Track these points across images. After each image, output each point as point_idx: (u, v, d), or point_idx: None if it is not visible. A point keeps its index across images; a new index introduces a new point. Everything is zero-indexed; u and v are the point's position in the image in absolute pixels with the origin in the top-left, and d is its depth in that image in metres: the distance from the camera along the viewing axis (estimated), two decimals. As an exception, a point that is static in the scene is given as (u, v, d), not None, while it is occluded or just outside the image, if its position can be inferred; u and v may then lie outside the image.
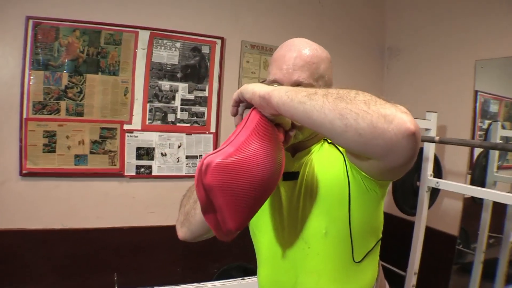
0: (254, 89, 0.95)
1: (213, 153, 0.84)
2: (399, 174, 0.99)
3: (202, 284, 2.22)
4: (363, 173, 1.03)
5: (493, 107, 3.11)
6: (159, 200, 3.07)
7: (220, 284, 2.27)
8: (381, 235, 1.22)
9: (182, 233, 1.21)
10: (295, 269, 1.17)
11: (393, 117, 0.75)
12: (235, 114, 1.05)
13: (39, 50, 2.63)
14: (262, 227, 1.25)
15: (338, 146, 1.14)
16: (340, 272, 1.14)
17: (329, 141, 1.20)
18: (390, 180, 1.07)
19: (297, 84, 1.08)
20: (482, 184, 3.03)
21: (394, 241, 3.37)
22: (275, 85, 1.07)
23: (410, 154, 0.79)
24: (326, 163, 1.13)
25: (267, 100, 0.91)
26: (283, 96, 0.88)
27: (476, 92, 3.04)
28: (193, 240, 1.21)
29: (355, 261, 1.13)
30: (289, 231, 1.17)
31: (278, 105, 0.89)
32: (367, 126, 0.76)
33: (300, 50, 1.12)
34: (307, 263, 1.15)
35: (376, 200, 1.11)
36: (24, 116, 2.62)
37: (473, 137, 3.06)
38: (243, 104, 1.03)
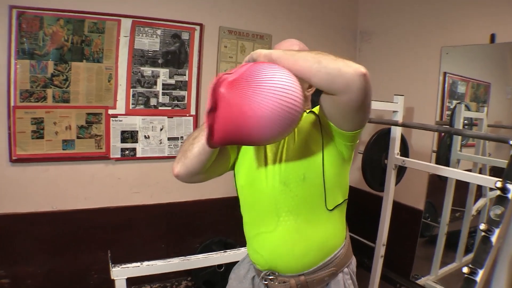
0: (261, 51, 1.28)
1: (228, 73, 1.16)
2: (357, 116, 1.27)
3: (188, 257, 2.26)
4: (332, 125, 1.34)
5: (461, 88, 3.27)
6: (143, 181, 3.20)
7: (204, 257, 2.30)
8: (347, 197, 1.54)
9: (177, 168, 1.39)
10: (277, 210, 1.42)
11: (352, 64, 1.12)
12: None
13: (24, 40, 2.68)
14: (248, 179, 1.50)
15: (314, 112, 1.46)
16: (315, 214, 1.43)
17: (307, 111, 1.50)
18: (352, 130, 1.33)
19: None
20: (447, 162, 3.22)
21: (364, 214, 3.59)
22: None
23: (362, 92, 1.13)
24: (305, 124, 1.44)
25: (269, 57, 1.24)
26: (280, 52, 1.24)
27: (444, 73, 3.20)
28: (186, 176, 1.40)
29: (327, 209, 1.42)
30: (272, 178, 1.43)
31: (276, 59, 1.22)
32: (334, 68, 1.12)
33: (294, 42, 1.50)
34: (287, 203, 1.41)
35: (343, 162, 1.44)
36: (12, 104, 2.68)
37: (441, 117, 3.22)
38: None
